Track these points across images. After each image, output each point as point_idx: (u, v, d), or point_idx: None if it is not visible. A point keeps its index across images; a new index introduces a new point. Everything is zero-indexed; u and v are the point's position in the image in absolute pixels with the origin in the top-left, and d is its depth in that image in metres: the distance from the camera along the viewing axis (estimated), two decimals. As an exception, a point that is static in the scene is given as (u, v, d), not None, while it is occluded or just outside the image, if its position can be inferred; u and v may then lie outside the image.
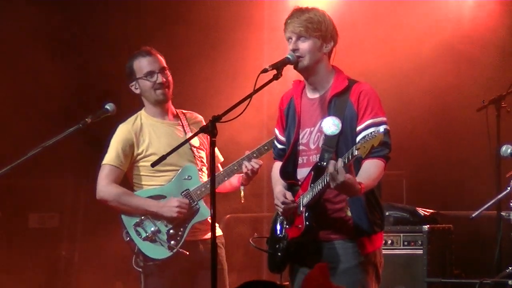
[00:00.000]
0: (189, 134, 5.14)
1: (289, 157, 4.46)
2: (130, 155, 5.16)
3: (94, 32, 7.45)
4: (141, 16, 7.64)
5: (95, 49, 7.42)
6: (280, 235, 4.52)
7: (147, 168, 5.11)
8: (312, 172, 4.32)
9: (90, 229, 7.33)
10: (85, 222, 7.52)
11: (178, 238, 5.07)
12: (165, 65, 5.23)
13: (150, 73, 5.19)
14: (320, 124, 4.38)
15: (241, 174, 5.12)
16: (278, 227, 4.56)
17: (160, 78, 5.17)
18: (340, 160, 4.08)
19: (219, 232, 5.25)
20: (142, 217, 5.09)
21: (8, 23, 7.15)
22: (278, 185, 4.54)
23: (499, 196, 5.71)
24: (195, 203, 5.09)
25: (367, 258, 4.34)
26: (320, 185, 4.19)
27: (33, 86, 7.24)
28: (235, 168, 5.11)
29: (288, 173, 4.48)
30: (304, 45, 4.39)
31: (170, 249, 5.05)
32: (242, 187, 5.17)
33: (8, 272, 6.96)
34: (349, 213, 4.32)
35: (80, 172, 7.33)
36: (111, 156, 5.16)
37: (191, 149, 5.18)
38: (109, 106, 5.12)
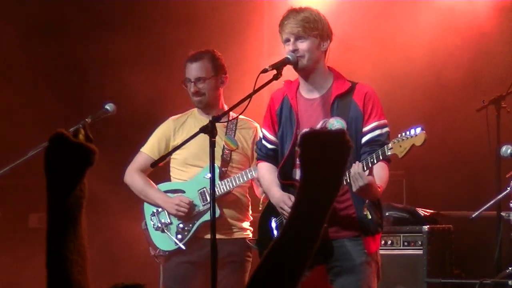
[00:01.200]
0: (228, 138, 5.27)
1: (288, 158, 4.45)
2: (166, 150, 5.30)
3: (95, 49, 7.42)
4: (141, 16, 7.63)
5: (96, 61, 7.41)
6: None
7: (177, 161, 5.29)
8: None
9: (90, 229, 7.32)
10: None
11: (186, 233, 5.22)
12: (203, 75, 5.29)
13: (187, 80, 5.33)
14: (325, 125, 4.38)
15: None
16: (275, 227, 4.53)
17: (192, 88, 5.30)
18: (358, 163, 4.08)
19: (245, 234, 5.31)
20: (159, 208, 5.27)
21: (8, 22, 7.15)
22: (276, 187, 4.51)
23: (499, 197, 5.71)
24: (208, 201, 5.18)
25: (371, 257, 4.36)
26: None
27: (33, 86, 7.24)
28: (251, 173, 5.15)
29: (285, 174, 4.48)
30: (303, 45, 4.39)
31: (175, 243, 5.22)
32: (262, 195, 5.23)
33: (8, 272, 6.96)
34: (369, 216, 4.31)
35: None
36: (148, 145, 5.38)
37: (223, 149, 5.22)
38: (109, 106, 5.15)
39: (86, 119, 5.05)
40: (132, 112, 6.84)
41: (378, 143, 4.26)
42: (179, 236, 5.22)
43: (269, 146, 4.60)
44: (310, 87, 4.48)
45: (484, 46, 7.19)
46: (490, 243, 6.11)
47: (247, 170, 5.18)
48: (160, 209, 5.27)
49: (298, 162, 4.46)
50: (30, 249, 7.16)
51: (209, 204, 5.13)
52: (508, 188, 5.70)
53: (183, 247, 5.18)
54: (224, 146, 5.25)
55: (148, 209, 5.34)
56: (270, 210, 4.57)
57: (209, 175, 5.17)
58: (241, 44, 7.68)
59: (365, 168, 4.08)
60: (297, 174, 4.44)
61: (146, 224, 5.34)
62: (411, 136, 4.03)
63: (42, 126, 6.56)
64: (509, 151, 4.54)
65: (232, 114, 5.19)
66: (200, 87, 5.29)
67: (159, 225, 5.26)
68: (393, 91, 6.96)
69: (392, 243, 6.18)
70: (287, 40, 4.42)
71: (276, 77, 4.34)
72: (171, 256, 5.24)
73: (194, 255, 5.19)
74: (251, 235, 5.32)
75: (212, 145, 4.20)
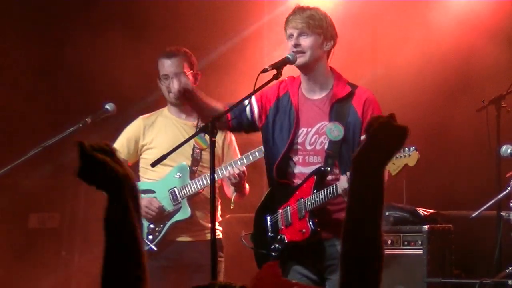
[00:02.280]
0: (198, 137, 5.16)
1: (285, 155, 4.46)
2: (135, 149, 5.26)
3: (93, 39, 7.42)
4: (140, 16, 7.63)
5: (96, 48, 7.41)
6: (273, 236, 4.50)
7: (145, 160, 5.20)
8: (315, 177, 4.33)
9: (91, 229, 7.33)
10: (85, 222, 7.51)
11: (157, 233, 5.16)
12: (182, 70, 5.23)
13: (165, 77, 5.25)
14: (323, 129, 4.39)
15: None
16: (270, 225, 4.54)
17: (171, 84, 5.19)
18: (345, 177, 4.10)
19: (218, 235, 5.24)
20: None
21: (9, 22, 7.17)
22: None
23: (499, 196, 5.72)
24: (178, 201, 5.12)
25: None
26: (330, 193, 4.24)
27: (33, 85, 7.24)
28: (221, 172, 5.10)
29: (282, 172, 4.48)
30: (306, 41, 4.41)
31: (146, 244, 5.13)
32: (233, 194, 5.19)
33: (8, 272, 6.95)
34: None
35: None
36: (117, 145, 5.28)
37: (193, 148, 5.19)
38: (109, 106, 5.15)
39: (86, 119, 5.05)
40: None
41: None
42: (150, 237, 5.15)
43: (249, 116, 4.54)
44: (311, 87, 4.49)
45: (484, 46, 7.19)
46: (490, 243, 6.10)
47: (220, 168, 5.12)
48: None
49: (296, 160, 4.45)
50: (30, 249, 7.19)
51: (180, 204, 5.13)
52: (508, 188, 5.70)
53: (154, 248, 5.12)
54: (194, 145, 5.20)
55: None
56: (266, 207, 4.57)
57: (179, 174, 5.17)
58: (241, 44, 7.68)
59: None
60: (296, 169, 4.44)
61: None
62: (404, 156, 4.06)
63: (41, 126, 6.57)
64: (509, 150, 4.54)
65: None
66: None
67: None
68: (392, 92, 6.96)
69: (392, 243, 6.18)
70: (291, 36, 4.43)
71: (276, 77, 4.35)
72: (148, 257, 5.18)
73: (164, 259, 5.14)
74: (221, 235, 5.27)
75: (213, 145, 4.20)
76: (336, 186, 4.22)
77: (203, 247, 5.09)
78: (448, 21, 7.33)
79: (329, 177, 4.37)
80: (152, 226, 5.16)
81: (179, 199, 5.13)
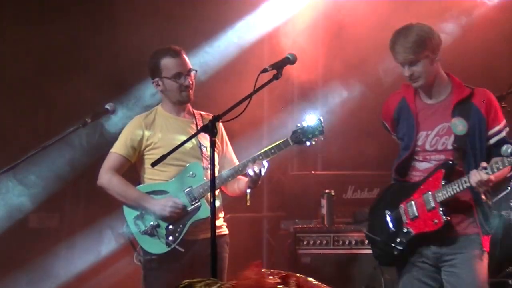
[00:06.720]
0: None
1: (406, 158, 4.64)
2: (138, 148, 5.16)
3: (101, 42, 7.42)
4: (144, 17, 7.63)
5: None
6: (396, 230, 4.62)
7: (152, 161, 5.05)
8: (444, 170, 4.52)
9: (90, 229, 7.34)
10: (85, 222, 7.52)
11: (177, 234, 5.06)
12: (191, 66, 5.21)
13: (178, 75, 5.15)
14: (443, 130, 4.58)
15: (247, 178, 5.10)
16: (391, 221, 4.65)
17: (187, 81, 5.14)
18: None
19: (225, 231, 5.24)
20: (143, 211, 5.08)
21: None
22: None
23: (500, 196, 5.71)
24: (196, 200, 5.08)
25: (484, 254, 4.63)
26: (461, 186, 4.44)
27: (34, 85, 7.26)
28: (240, 169, 5.06)
29: (403, 171, 4.66)
30: (418, 69, 4.55)
31: (167, 245, 5.05)
32: (248, 190, 5.14)
33: (8, 272, 6.96)
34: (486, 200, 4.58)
35: (80, 172, 7.34)
36: (119, 145, 5.18)
37: (200, 147, 5.17)
38: (108, 106, 5.13)
39: (86, 119, 5.05)
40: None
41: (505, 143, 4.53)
42: (171, 238, 5.05)
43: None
44: (430, 93, 4.64)
45: (485, 45, 7.19)
46: (490, 242, 6.10)
47: (239, 165, 5.10)
48: (143, 212, 5.08)
49: (417, 159, 4.61)
50: (29, 249, 7.19)
51: (198, 203, 5.05)
52: (509, 188, 5.70)
53: (181, 249, 5.03)
54: (201, 144, 5.18)
55: (130, 212, 5.12)
56: (384, 203, 4.73)
57: (193, 174, 5.11)
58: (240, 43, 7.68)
59: None
60: (416, 168, 4.63)
61: (129, 228, 5.11)
62: None
63: (42, 125, 6.58)
64: (509, 150, 4.53)
65: (195, 111, 5.24)
66: (192, 80, 5.19)
67: (146, 228, 5.06)
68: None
69: (392, 243, 6.16)
70: (402, 65, 4.57)
71: (276, 77, 4.34)
72: (158, 261, 5.07)
73: (188, 259, 5.07)
74: (227, 231, 5.25)
75: (213, 145, 4.17)
76: (468, 179, 4.40)
77: (223, 242, 5.15)
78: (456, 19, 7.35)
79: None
80: (171, 227, 5.06)
81: (198, 198, 5.08)
